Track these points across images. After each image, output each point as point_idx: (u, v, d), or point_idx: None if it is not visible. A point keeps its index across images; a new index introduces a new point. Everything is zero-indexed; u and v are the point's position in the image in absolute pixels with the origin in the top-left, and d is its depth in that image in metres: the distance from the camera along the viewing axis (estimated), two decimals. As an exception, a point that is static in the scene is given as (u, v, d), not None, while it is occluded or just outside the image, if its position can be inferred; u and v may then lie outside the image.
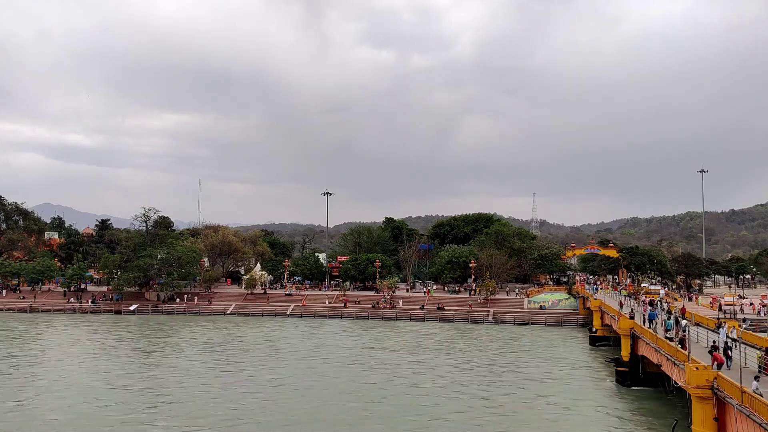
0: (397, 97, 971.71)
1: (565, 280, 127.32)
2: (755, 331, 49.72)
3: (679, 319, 47.72)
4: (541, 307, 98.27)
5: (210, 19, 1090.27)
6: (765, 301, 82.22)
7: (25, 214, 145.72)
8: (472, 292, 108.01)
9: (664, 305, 63.00)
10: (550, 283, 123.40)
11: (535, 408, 42.74)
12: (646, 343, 45.25)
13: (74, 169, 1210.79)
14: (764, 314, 72.28)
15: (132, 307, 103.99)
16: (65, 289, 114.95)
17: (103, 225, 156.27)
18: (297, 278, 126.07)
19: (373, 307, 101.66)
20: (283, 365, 57.61)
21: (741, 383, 26.02)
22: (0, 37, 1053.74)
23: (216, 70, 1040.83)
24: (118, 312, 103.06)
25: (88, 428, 37.21)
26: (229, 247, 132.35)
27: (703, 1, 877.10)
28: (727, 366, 32.99)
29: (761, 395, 24.94)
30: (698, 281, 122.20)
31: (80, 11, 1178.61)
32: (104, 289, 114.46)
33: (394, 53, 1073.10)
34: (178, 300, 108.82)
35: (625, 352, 51.09)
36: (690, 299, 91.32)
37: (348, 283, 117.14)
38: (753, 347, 38.68)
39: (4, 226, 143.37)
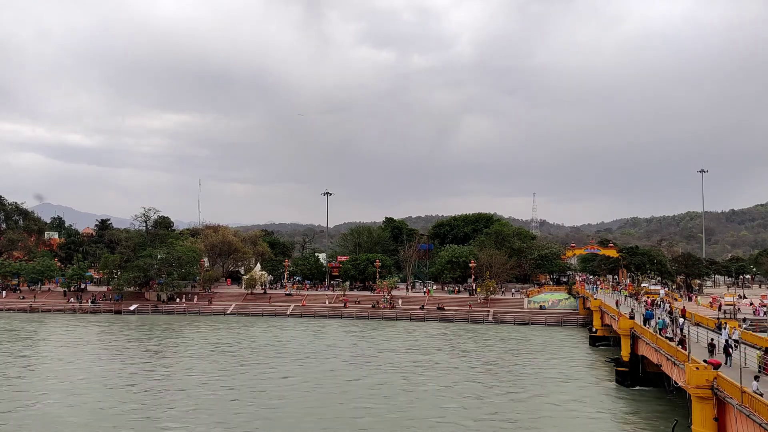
0: (397, 97, 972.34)
1: (565, 280, 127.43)
2: (755, 331, 49.76)
3: (676, 317, 47.78)
4: (541, 307, 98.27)
5: (210, 19, 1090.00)
6: (765, 301, 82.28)
7: (25, 214, 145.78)
8: (472, 292, 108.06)
9: (666, 306, 63.00)
10: (550, 283, 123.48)
11: (534, 408, 42.72)
12: (646, 343, 45.27)
13: (74, 169, 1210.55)
14: (764, 314, 72.25)
15: (132, 307, 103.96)
16: (65, 289, 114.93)
17: (103, 225, 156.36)
18: (297, 278, 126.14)
19: (373, 307, 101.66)
20: (299, 366, 57.05)
21: (741, 383, 26.03)
22: (0, 37, 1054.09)
23: (216, 70, 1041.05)
24: (118, 312, 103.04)
25: (108, 430, 37.11)
26: (229, 247, 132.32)
27: (703, 1, 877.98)
28: (728, 364, 33.03)
29: (761, 395, 24.96)
30: (698, 281, 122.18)
31: (80, 11, 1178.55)
32: (104, 289, 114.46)
33: (394, 53, 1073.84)
34: (178, 300, 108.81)
35: (625, 352, 51.11)
36: (690, 299, 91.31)
37: (348, 283, 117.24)
38: (753, 347, 38.70)
39: (4, 226, 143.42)
